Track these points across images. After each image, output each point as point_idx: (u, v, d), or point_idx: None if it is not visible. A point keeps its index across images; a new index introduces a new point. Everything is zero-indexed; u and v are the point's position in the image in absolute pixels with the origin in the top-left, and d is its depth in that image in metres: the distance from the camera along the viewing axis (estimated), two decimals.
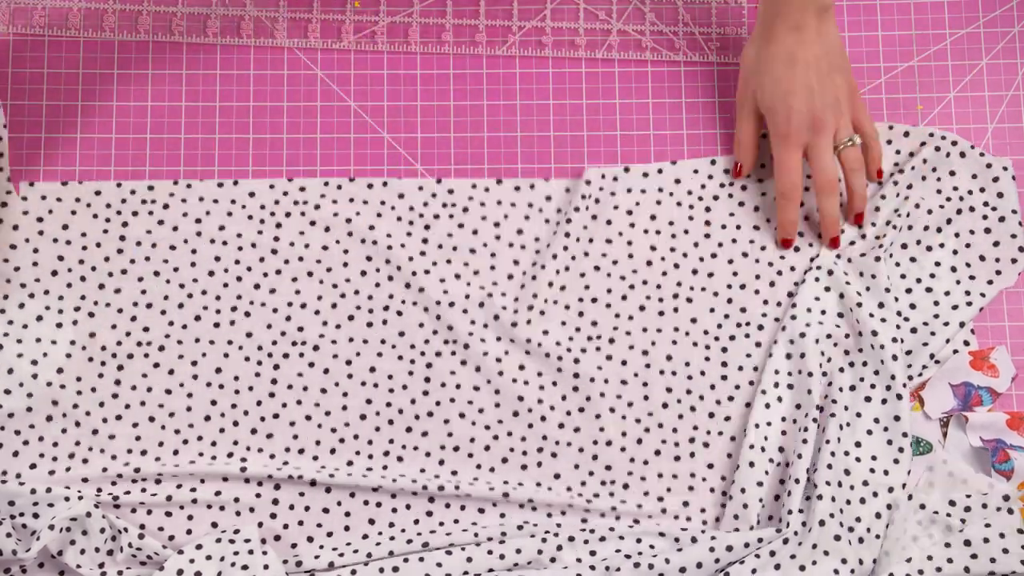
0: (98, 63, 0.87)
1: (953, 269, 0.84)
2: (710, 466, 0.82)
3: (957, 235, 0.85)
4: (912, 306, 0.83)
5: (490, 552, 0.77)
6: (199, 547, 0.76)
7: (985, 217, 0.85)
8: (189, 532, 0.79)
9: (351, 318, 0.84)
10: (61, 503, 0.77)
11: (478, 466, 0.82)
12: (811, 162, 0.82)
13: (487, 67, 0.88)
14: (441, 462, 0.82)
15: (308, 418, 0.82)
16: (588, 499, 0.81)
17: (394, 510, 0.80)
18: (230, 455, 0.81)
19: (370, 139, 0.87)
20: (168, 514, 0.80)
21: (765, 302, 0.84)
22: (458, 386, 0.83)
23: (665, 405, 0.83)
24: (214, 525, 0.80)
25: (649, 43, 0.88)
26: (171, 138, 0.86)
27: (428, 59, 0.88)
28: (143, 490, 0.80)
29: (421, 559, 0.77)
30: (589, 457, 0.82)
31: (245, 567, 0.76)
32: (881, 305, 0.82)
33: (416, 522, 0.80)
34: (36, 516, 0.77)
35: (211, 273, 0.84)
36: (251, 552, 0.76)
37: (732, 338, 0.84)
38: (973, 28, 0.88)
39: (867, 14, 0.89)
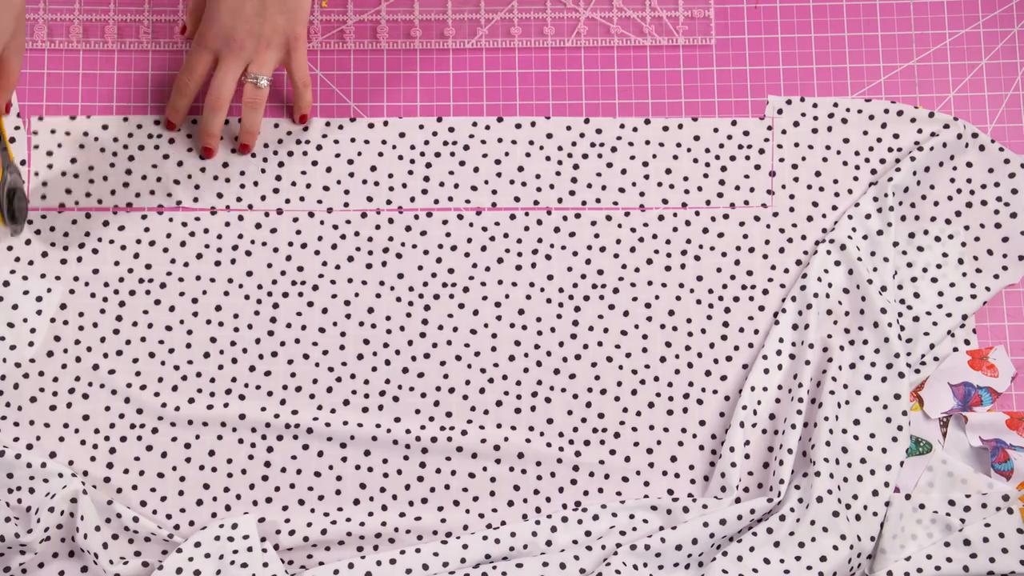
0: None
1: (960, 261, 0.84)
2: (702, 423, 0.82)
3: (967, 227, 0.85)
4: (916, 295, 0.83)
5: (485, 538, 0.77)
6: (198, 544, 0.77)
7: (997, 212, 0.85)
8: (181, 494, 0.80)
9: (351, 259, 0.83)
10: (55, 479, 0.78)
11: (472, 408, 0.81)
12: (212, 77, 0.80)
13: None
14: (436, 403, 0.82)
15: (306, 357, 0.82)
16: (578, 450, 0.81)
17: (385, 475, 0.80)
18: (228, 392, 0.81)
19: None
20: (160, 475, 0.80)
21: (773, 267, 0.84)
22: (455, 329, 0.82)
23: (663, 359, 0.83)
24: (206, 487, 0.80)
25: (617, 29, 0.88)
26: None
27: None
28: (139, 438, 0.80)
29: (418, 550, 0.77)
30: (583, 404, 0.82)
31: (244, 565, 0.76)
32: (884, 288, 0.82)
33: (407, 487, 0.80)
34: (32, 491, 0.78)
35: (213, 211, 0.84)
36: (250, 549, 0.77)
37: (736, 299, 0.84)
38: (973, 28, 0.88)
39: (867, 14, 0.88)
